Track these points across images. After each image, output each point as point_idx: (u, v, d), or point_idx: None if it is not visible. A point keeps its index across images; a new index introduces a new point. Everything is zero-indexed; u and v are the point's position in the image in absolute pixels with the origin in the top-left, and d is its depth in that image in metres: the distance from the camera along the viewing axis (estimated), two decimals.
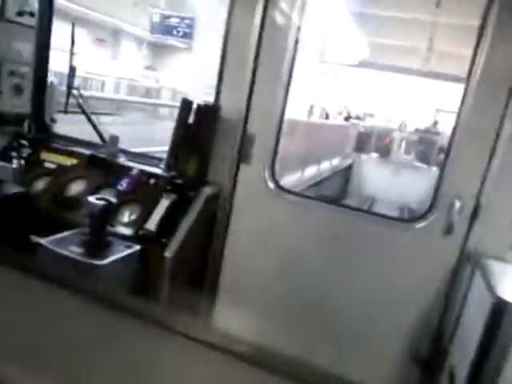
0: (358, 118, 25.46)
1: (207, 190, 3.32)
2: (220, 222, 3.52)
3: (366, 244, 3.39)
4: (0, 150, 3.48)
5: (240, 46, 3.35)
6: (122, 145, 3.61)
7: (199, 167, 3.33)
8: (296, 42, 3.41)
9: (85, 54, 28.87)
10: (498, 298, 2.32)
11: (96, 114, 3.73)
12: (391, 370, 3.40)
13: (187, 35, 19.52)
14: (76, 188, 3.34)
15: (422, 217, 3.26)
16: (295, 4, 3.35)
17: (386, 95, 30.28)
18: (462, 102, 3.07)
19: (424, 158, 20.05)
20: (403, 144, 21.33)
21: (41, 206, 3.25)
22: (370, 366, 3.33)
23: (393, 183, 17.26)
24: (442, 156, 17.74)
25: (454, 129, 3.13)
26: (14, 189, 3.18)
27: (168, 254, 3.00)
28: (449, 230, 3.13)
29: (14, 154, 3.34)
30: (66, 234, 2.85)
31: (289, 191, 3.60)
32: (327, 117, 23.87)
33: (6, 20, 3.15)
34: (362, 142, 19.28)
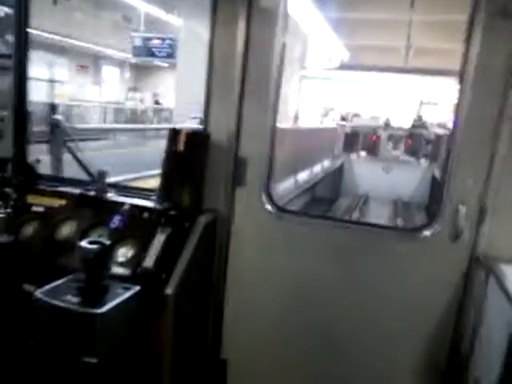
0: (343, 119, 25.40)
1: (204, 219, 3.08)
2: (220, 250, 3.29)
3: (373, 257, 3.18)
4: None
5: (225, 70, 3.14)
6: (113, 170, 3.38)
7: (193, 196, 3.11)
8: (281, 60, 3.20)
9: (69, 82, 28.71)
10: None
11: (84, 139, 3.50)
12: None
13: (170, 55, 19.34)
14: (66, 230, 3.09)
15: (428, 224, 3.10)
16: (277, 21, 3.11)
17: (370, 94, 30.34)
18: (458, 103, 2.92)
19: (412, 151, 19.76)
20: (391, 140, 21.32)
21: (32, 252, 3.03)
22: (388, 381, 3.19)
23: (384, 179, 17.21)
24: (429, 147, 18.47)
25: (453, 133, 2.99)
26: (1, 238, 2.97)
27: (169, 291, 2.78)
28: (456, 236, 2.97)
29: None
30: (60, 281, 2.61)
31: (288, 211, 3.40)
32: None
33: None
34: (350, 143, 19.01)
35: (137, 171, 10.83)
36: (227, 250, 3.31)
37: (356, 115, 26.57)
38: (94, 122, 25.53)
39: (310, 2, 13.62)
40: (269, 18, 3.10)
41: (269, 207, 3.25)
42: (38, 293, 2.50)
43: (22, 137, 3.48)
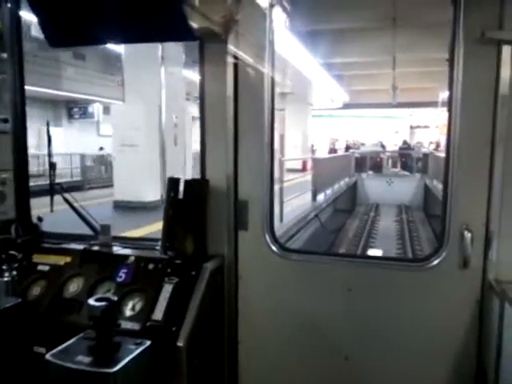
0: (348, 147, 25.82)
1: (209, 265, 2.31)
2: (228, 294, 2.47)
3: (383, 291, 2.34)
4: None
5: (217, 114, 2.38)
6: None
7: (197, 242, 2.33)
8: (272, 99, 2.41)
9: None
10: None
11: None
12: None
13: None
14: (74, 287, 2.34)
15: (435, 253, 2.28)
16: (264, 64, 2.37)
17: (368, 125, 30.30)
18: (449, 126, 2.17)
19: (406, 167, 20.85)
20: (390, 160, 22.38)
21: (40, 312, 2.29)
22: None
23: (388, 190, 17.83)
24: (419, 164, 19.32)
25: (447, 160, 2.20)
26: (8, 302, 2.23)
27: (181, 343, 2.05)
28: (465, 263, 2.18)
29: (4, 266, 2.37)
30: (70, 341, 1.94)
31: (293, 250, 2.56)
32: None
33: None
34: (360, 164, 19.79)
35: None
36: (236, 294, 2.50)
37: (362, 144, 26.74)
38: None
39: (316, 63, 14.64)
40: (256, 59, 2.36)
41: (274, 248, 2.44)
42: (50, 355, 1.86)
43: (24, 197, 2.75)
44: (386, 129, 30.43)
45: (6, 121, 2.35)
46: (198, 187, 2.36)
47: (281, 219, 9.22)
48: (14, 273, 2.33)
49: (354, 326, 2.36)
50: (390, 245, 11.79)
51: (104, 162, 19.82)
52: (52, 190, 2.53)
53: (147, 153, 11.58)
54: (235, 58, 2.34)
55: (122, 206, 11.61)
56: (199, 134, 2.40)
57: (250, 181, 2.41)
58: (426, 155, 18.42)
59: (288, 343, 2.44)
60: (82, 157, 19.31)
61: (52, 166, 2.53)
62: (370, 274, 2.37)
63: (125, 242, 2.59)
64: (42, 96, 20.04)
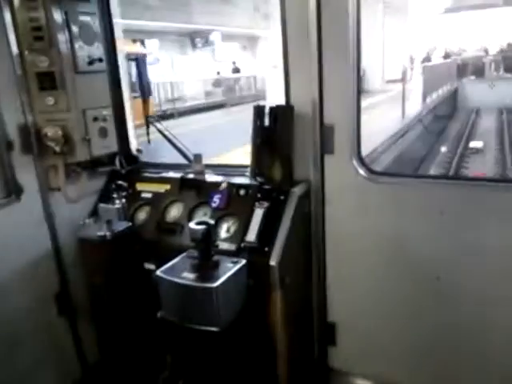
0: (448, 55, 23.53)
1: (297, 190, 2.25)
2: (316, 218, 2.39)
3: (478, 213, 2.07)
4: (101, 191, 2.68)
5: (300, 36, 2.15)
6: None
7: (284, 168, 2.26)
8: (358, 19, 2.10)
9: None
10: None
11: None
12: None
13: None
14: (174, 212, 2.46)
15: None
16: None
17: (471, 31, 26.97)
18: None
19: (509, 70, 19.67)
20: (492, 64, 20.38)
21: (147, 234, 2.45)
22: None
23: (489, 93, 17.09)
24: None
25: None
26: (121, 226, 2.41)
27: (273, 262, 2.10)
28: None
29: (114, 194, 2.53)
30: (175, 260, 2.09)
31: (382, 173, 2.35)
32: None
33: (80, 72, 2.30)
34: (462, 70, 19.13)
35: None
36: (323, 218, 2.40)
37: (464, 50, 24.36)
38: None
39: None
40: None
41: (361, 171, 2.27)
42: (159, 271, 2.02)
43: (123, 131, 2.82)
44: (488, 35, 26.80)
45: (100, 60, 2.36)
46: (283, 113, 2.23)
47: (403, 116, 11.22)
48: (123, 200, 2.49)
49: (445, 248, 2.16)
50: (489, 144, 11.57)
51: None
52: (147, 122, 2.57)
53: None
54: None
55: None
56: (282, 59, 2.21)
57: (336, 104, 2.21)
58: None
59: (377, 265, 2.34)
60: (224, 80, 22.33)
61: (145, 102, 2.53)
62: (465, 196, 2.11)
63: (216, 169, 2.60)
64: (171, 30, 21.34)
